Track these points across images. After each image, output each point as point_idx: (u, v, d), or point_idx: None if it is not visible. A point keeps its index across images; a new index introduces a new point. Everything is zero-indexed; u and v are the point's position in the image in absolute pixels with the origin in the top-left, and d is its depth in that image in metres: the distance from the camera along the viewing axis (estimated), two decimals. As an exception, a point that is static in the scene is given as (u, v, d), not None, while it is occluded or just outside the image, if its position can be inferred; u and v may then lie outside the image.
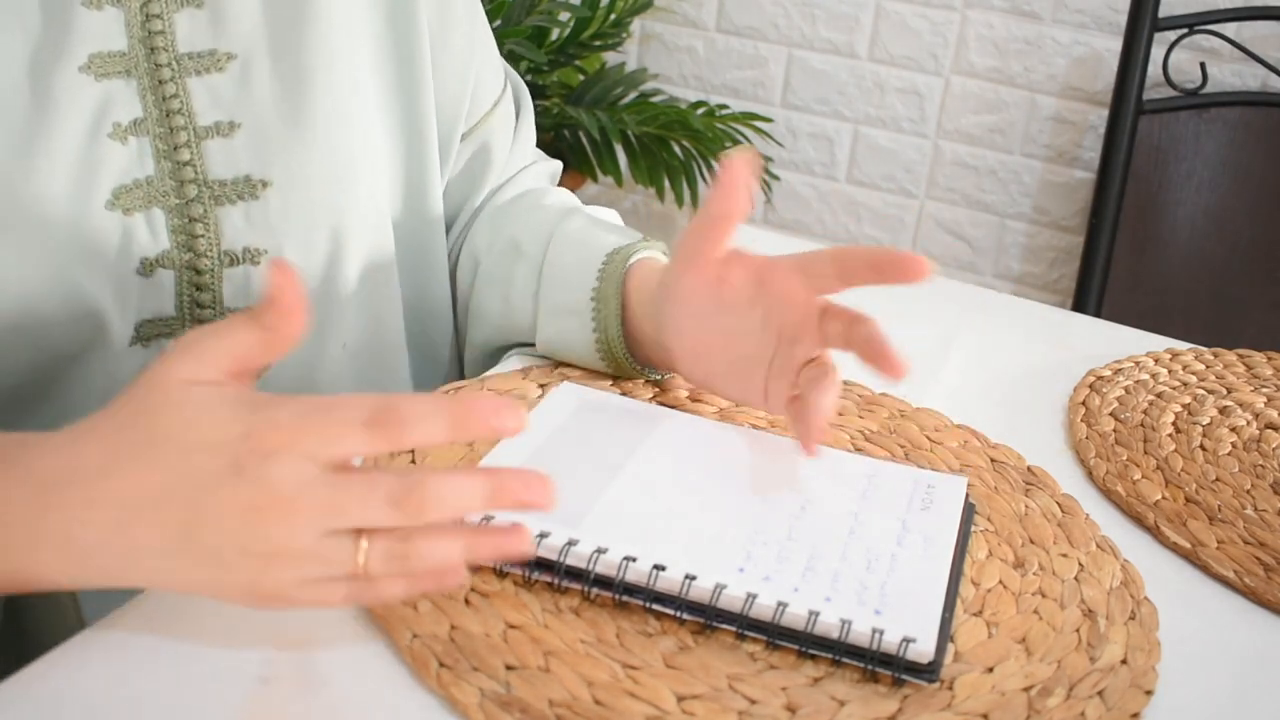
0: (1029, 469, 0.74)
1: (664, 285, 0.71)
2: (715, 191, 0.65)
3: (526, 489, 0.49)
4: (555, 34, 2.03)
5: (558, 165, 0.96)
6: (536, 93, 2.04)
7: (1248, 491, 0.75)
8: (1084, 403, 0.84)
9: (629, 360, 0.76)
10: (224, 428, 0.48)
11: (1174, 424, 0.82)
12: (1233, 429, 0.83)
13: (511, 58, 1.89)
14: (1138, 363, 0.91)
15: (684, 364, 0.73)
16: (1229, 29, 1.83)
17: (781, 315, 0.67)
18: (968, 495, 0.68)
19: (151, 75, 0.69)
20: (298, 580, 0.49)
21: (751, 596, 0.57)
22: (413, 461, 0.66)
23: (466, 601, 0.57)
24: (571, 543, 0.58)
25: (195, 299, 0.71)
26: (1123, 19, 1.86)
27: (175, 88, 0.70)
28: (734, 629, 0.57)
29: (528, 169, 0.92)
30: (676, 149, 2.03)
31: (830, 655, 0.56)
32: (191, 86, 0.71)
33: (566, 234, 0.79)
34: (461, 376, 0.89)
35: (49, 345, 0.67)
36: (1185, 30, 1.81)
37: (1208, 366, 0.92)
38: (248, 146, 0.71)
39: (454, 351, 0.88)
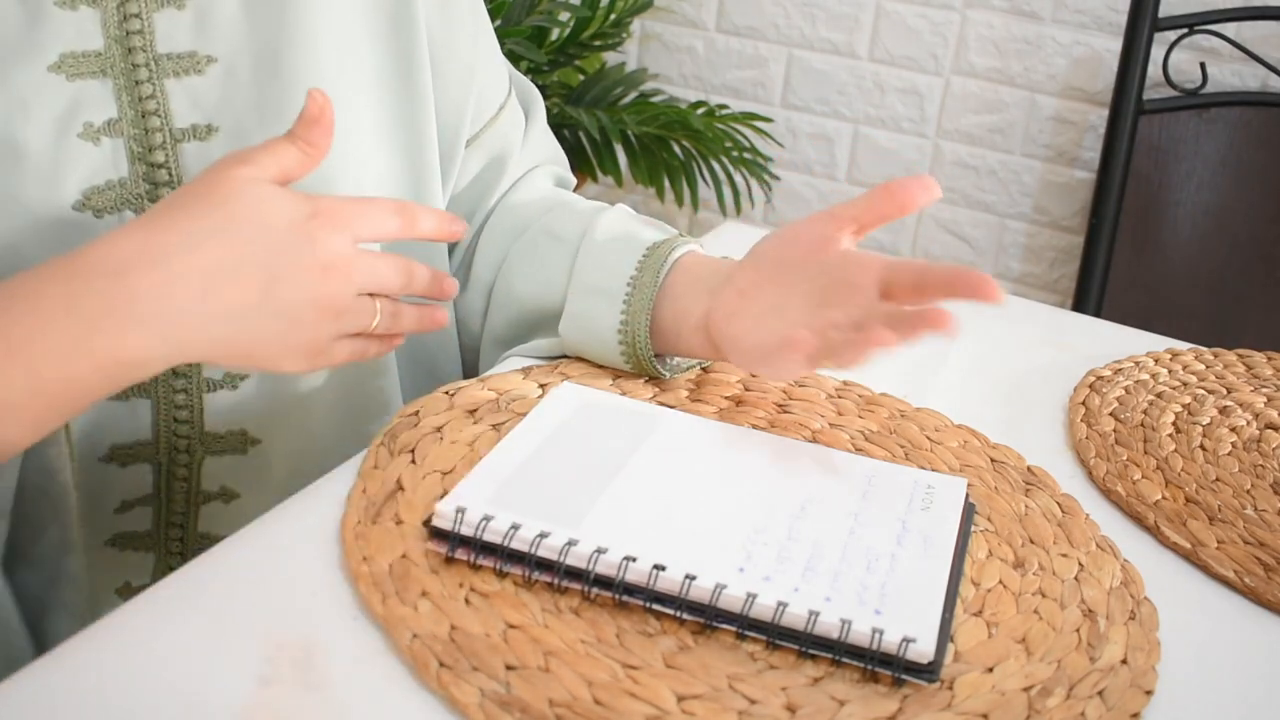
0: (1029, 469, 0.74)
1: (786, 228, 0.73)
2: (908, 181, 0.68)
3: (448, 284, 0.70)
4: (555, 34, 2.03)
5: (570, 177, 0.95)
6: (536, 93, 2.04)
7: (1248, 491, 0.75)
8: (1084, 403, 0.84)
9: (647, 350, 0.76)
10: (293, 209, 0.61)
11: (1174, 424, 0.82)
12: (1233, 429, 0.83)
13: (511, 58, 1.89)
14: (1138, 363, 0.91)
15: (722, 303, 0.73)
16: (1229, 29, 1.83)
17: (838, 288, 0.68)
18: (967, 495, 0.68)
19: (128, 76, 0.68)
20: (338, 333, 0.64)
21: (751, 596, 0.57)
22: (412, 461, 0.66)
23: (466, 601, 0.57)
24: (571, 543, 0.58)
25: None
26: (1123, 19, 1.86)
27: (152, 89, 0.69)
28: (734, 629, 0.57)
29: (537, 169, 0.91)
30: (676, 149, 2.03)
31: (830, 655, 0.56)
32: (169, 88, 0.70)
33: (607, 224, 0.80)
34: (470, 375, 0.89)
35: None
36: (1185, 30, 1.81)
37: (1208, 366, 0.92)
38: (225, 151, 0.70)
39: (456, 360, 0.88)
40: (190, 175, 0.70)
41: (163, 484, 0.75)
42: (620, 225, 0.80)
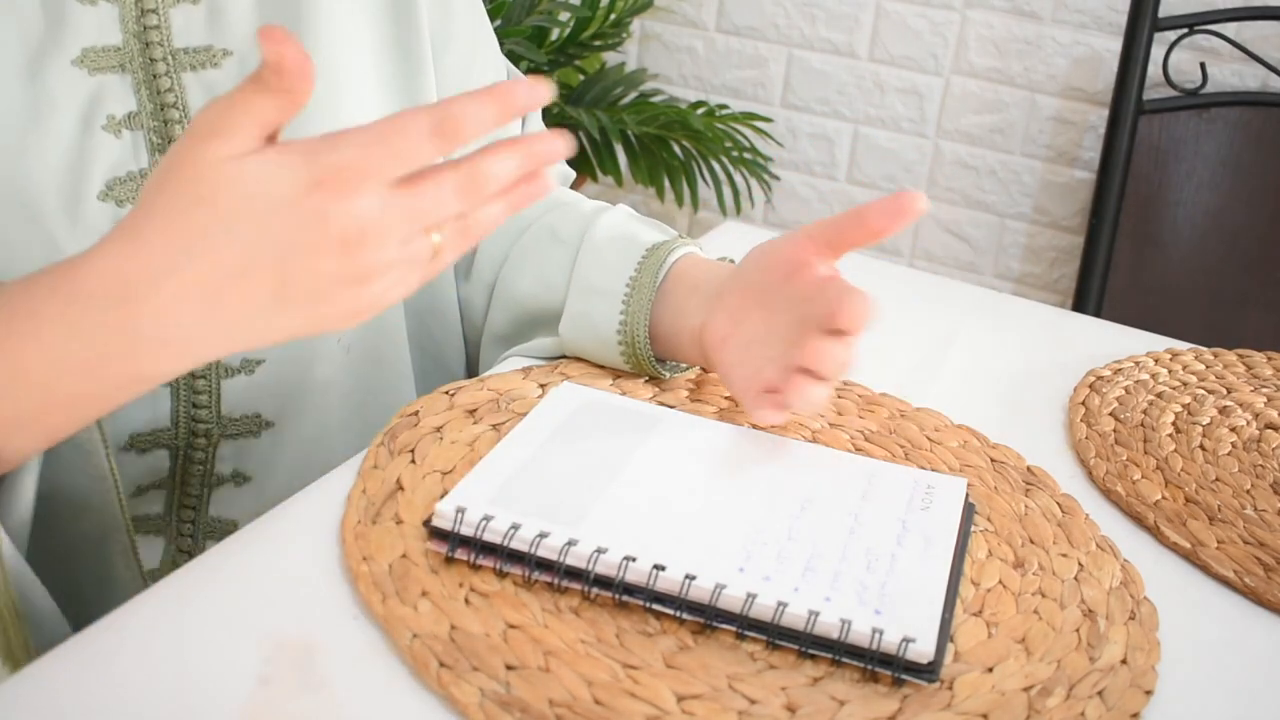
0: (1029, 469, 0.74)
1: (768, 246, 0.72)
2: (882, 206, 0.66)
3: (545, 142, 0.55)
4: (555, 34, 2.02)
5: (570, 172, 0.96)
6: (536, 93, 2.04)
7: (1248, 491, 0.75)
8: (1084, 403, 0.84)
9: (647, 350, 0.76)
10: (290, 184, 0.51)
11: (1174, 424, 0.82)
12: (1233, 429, 0.83)
13: (511, 58, 1.89)
14: (1138, 363, 0.91)
15: (717, 325, 0.73)
16: (1229, 29, 1.83)
17: (818, 323, 0.67)
18: (967, 495, 0.68)
19: (146, 70, 0.70)
20: (386, 286, 0.54)
21: (751, 596, 0.57)
22: (412, 461, 0.66)
23: (466, 601, 0.57)
24: (571, 543, 0.58)
25: None
26: (1123, 19, 1.86)
27: (170, 82, 0.71)
28: (734, 629, 0.57)
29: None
30: (676, 149, 2.03)
31: (830, 655, 0.56)
32: (187, 82, 0.71)
33: (607, 224, 0.80)
34: (473, 373, 0.89)
35: None
36: (1185, 30, 1.81)
37: (1208, 366, 0.92)
38: None
39: (460, 352, 0.89)
40: None
41: (178, 468, 0.76)
42: (620, 225, 0.80)
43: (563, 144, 0.55)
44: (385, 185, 0.52)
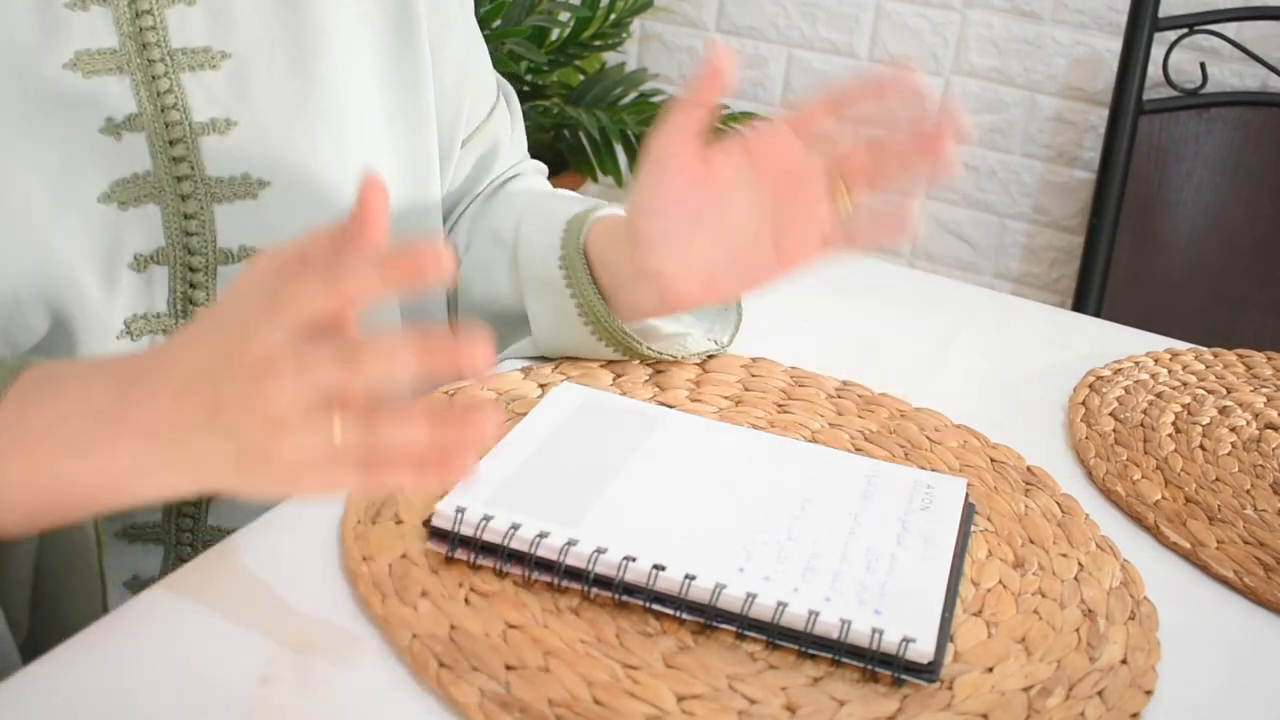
0: (1029, 469, 0.74)
1: (637, 202, 0.72)
2: (690, 80, 0.67)
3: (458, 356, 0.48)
4: (555, 34, 2.02)
5: (541, 166, 0.97)
6: (536, 93, 2.03)
7: (1248, 491, 0.75)
8: (1084, 403, 0.84)
9: (612, 320, 0.76)
10: (249, 293, 0.49)
11: (1174, 424, 0.82)
12: (1233, 429, 0.83)
13: (512, 58, 1.89)
14: (1138, 363, 0.91)
15: (679, 280, 0.72)
16: (1229, 29, 1.83)
17: (772, 170, 0.68)
18: (967, 495, 0.68)
19: (144, 71, 0.69)
20: (301, 453, 0.48)
21: (751, 596, 0.57)
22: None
23: (466, 601, 0.57)
24: (571, 543, 0.58)
25: (189, 296, 0.71)
26: (1123, 19, 1.86)
27: (169, 83, 0.70)
28: (734, 629, 0.57)
29: (514, 168, 0.92)
30: (676, 149, 2.03)
31: (830, 655, 0.56)
32: (186, 83, 0.70)
33: (530, 212, 0.81)
34: None
35: (32, 335, 0.67)
36: (1185, 30, 1.81)
37: (1208, 366, 0.92)
38: (246, 145, 0.71)
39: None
40: (210, 168, 0.70)
41: None
42: (540, 209, 0.81)
43: (483, 355, 0.47)
44: (292, 327, 0.48)
